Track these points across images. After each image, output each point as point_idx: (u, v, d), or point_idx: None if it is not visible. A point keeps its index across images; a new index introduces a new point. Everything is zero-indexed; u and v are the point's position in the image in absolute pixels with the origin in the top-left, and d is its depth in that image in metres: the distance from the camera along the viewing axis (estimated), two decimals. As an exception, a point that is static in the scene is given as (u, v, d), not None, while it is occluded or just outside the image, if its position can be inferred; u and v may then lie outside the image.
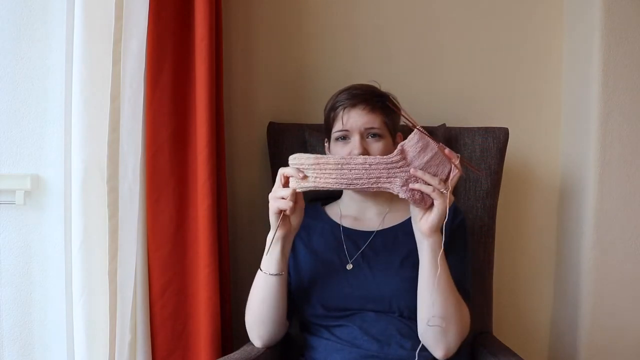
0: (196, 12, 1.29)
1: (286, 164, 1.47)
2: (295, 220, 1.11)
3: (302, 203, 1.09)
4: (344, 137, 1.20)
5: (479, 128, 1.50)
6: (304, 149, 1.48)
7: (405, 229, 1.19)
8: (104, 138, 1.24)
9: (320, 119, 1.31)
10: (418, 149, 1.02)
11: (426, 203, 1.03)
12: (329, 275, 1.19)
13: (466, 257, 1.23)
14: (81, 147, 1.23)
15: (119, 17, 1.24)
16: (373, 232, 1.23)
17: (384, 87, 1.27)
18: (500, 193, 1.50)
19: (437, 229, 1.04)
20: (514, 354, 1.25)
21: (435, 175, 1.02)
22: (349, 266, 1.19)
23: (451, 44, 1.66)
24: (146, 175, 1.30)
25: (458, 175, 1.03)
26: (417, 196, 1.02)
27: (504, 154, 1.49)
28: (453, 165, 1.02)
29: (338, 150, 1.21)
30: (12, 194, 1.37)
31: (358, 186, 1.01)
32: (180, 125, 1.32)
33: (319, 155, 1.02)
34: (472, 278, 1.38)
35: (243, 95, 1.62)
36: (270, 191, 1.08)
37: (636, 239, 1.56)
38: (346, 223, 1.26)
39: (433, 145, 1.02)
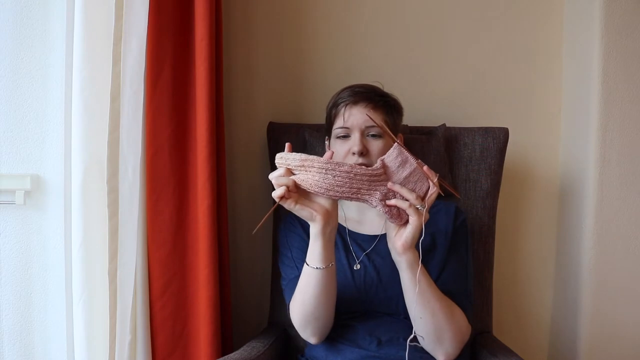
0: (196, 12, 1.29)
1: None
2: (327, 203, 1.03)
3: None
4: (345, 135, 1.20)
5: (479, 128, 1.50)
6: (304, 149, 1.48)
7: None
8: (104, 138, 1.24)
9: (320, 119, 1.31)
10: (397, 164, 1.02)
11: (402, 219, 1.02)
12: (338, 277, 1.19)
13: (468, 259, 1.23)
14: (81, 147, 1.23)
15: (119, 17, 1.24)
16: (377, 235, 1.23)
17: (384, 87, 1.27)
18: (500, 193, 1.50)
19: (412, 245, 1.02)
20: (514, 354, 1.25)
21: (412, 190, 1.01)
22: (357, 266, 1.19)
23: (451, 44, 1.66)
24: (146, 175, 1.30)
25: (436, 193, 1.02)
26: (394, 211, 1.01)
27: (504, 154, 1.50)
28: (431, 183, 1.02)
29: (338, 148, 1.20)
30: (12, 194, 1.37)
31: (338, 194, 0.99)
32: (180, 125, 1.32)
33: (304, 156, 0.99)
34: (473, 278, 1.38)
35: (243, 95, 1.62)
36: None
37: (636, 239, 1.56)
38: (351, 226, 1.27)
39: (412, 161, 1.01)
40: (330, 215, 1.04)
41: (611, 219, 1.54)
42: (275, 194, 0.99)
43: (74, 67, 1.22)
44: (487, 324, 1.47)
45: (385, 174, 1.02)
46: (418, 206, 1.00)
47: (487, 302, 1.48)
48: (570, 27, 1.65)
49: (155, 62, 1.28)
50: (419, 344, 1.08)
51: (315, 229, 1.04)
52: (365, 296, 1.17)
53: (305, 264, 1.10)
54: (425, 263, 1.09)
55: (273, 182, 1.00)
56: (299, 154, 1.00)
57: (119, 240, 1.26)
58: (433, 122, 1.53)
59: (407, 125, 1.44)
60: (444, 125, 1.50)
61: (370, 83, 1.26)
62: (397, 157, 1.02)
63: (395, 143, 1.03)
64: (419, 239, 1.02)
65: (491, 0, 1.66)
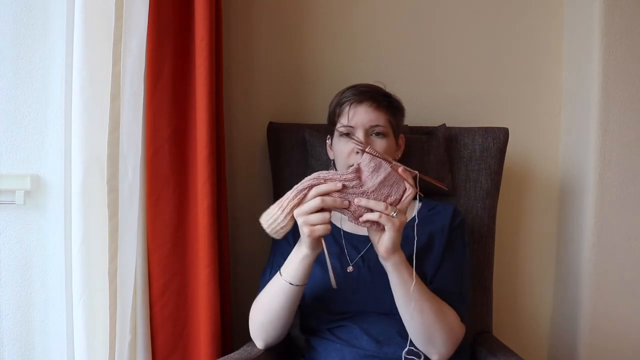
0: (196, 12, 1.29)
1: (286, 164, 1.48)
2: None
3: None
4: (348, 134, 1.20)
5: (479, 128, 1.50)
6: (304, 149, 1.48)
7: (404, 232, 1.19)
8: (104, 138, 1.24)
9: (320, 119, 1.31)
10: (371, 169, 1.01)
11: (379, 225, 1.01)
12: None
13: (464, 260, 1.23)
14: (81, 147, 1.23)
15: (119, 17, 1.24)
16: None
17: (385, 87, 1.26)
18: (500, 193, 1.50)
19: (394, 250, 1.02)
20: (514, 354, 1.25)
21: (388, 195, 1.00)
22: (350, 268, 1.19)
23: (451, 44, 1.66)
24: (146, 175, 1.30)
25: (412, 195, 1.01)
26: (366, 223, 1.01)
27: (504, 154, 1.49)
28: (407, 185, 1.00)
29: (341, 147, 1.20)
30: (12, 194, 1.37)
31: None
32: (180, 125, 1.32)
33: (282, 200, 1.02)
34: (472, 278, 1.38)
35: (243, 95, 1.62)
36: (270, 197, 1.06)
37: (636, 239, 1.56)
38: (347, 227, 1.26)
39: (386, 166, 1.00)
40: None
41: (611, 219, 1.54)
42: (322, 233, 1.01)
43: (74, 67, 1.22)
44: (487, 324, 1.47)
45: (358, 179, 1.01)
46: (391, 214, 0.99)
47: (487, 302, 1.48)
48: (570, 27, 1.65)
49: (155, 62, 1.28)
50: (415, 349, 1.08)
51: (308, 251, 1.05)
52: (358, 297, 1.17)
53: (279, 274, 1.11)
54: (421, 262, 1.09)
55: (311, 220, 1.00)
56: (281, 200, 1.02)
57: (119, 240, 1.26)
58: (433, 122, 1.53)
59: (407, 125, 1.44)
60: (444, 125, 1.50)
61: (372, 83, 1.26)
62: (369, 162, 1.01)
63: (367, 149, 1.02)
64: (399, 242, 1.01)
65: (491, 1, 1.66)
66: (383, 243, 1.01)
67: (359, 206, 1.00)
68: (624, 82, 1.52)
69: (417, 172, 1.01)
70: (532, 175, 1.68)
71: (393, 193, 1.01)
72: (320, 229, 1.00)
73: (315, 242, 1.03)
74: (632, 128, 1.53)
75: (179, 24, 1.32)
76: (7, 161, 1.38)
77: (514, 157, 1.60)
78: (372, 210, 1.00)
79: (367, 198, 1.00)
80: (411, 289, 1.03)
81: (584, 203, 1.57)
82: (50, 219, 1.38)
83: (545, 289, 1.70)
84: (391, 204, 1.00)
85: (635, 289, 1.56)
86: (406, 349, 1.06)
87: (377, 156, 1.01)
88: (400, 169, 1.00)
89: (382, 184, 1.00)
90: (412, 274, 1.05)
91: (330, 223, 1.26)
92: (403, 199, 1.01)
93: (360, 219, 1.00)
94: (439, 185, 1.05)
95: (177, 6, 1.31)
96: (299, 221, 1.01)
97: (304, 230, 1.01)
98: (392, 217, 0.99)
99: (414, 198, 1.04)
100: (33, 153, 1.38)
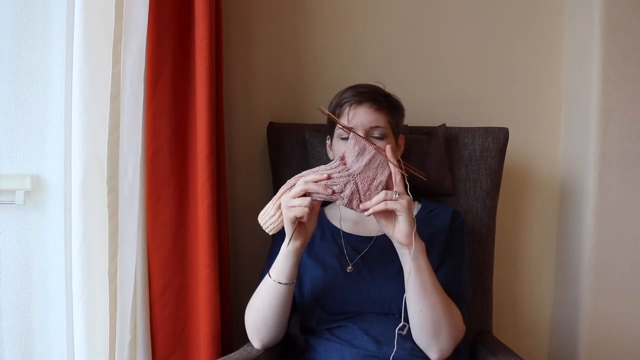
0: (196, 12, 1.29)
1: (286, 164, 1.48)
2: (311, 229, 1.09)
3: (317, 209, 1.07)
4: (348, 136, 1.20)
5: (479, 128, 1.50)
6: (304, 149, 1.48)
7: None
8: (104, 138, 1.24)
9: (320, 119, 1.31)
10: (355, 153, 1.04)
11: (388, 213, 1.01)
12: (330, 280, 1.19)
13: (463, 261, 1.23)
14: (81, 147, 1.23)
15: (119, 17, 1.24)
16: (373, 237, 1.22)
17: (385, 87, 1.26)
18: (500, 193, 1.50)
19: (412, 234, 1.01)
20: (514, 354, 1.25)
21: (374, 178, 1.03)
22: (349, 269, 1.19)
23: (451, 44, 1.66)
24: (146, 175, 1.30)
25: (399, 174, 1.02)
26: (354, 203, 1.02)
27: (504, 154, 1.50)
28: (392, 166, 1.02)
29: (340, 148, 1.20)
30: (12, 194, 1.37)
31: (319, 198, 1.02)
32: (180, 125, 1.32)
33: (278, 195, 1.08)
34: (472, 278, 1.38)
35: (243, 95, 1.62)
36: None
37: (636, 239, 1.56)
38: (346, 227, 1.26)
39: (370, 149, 1.03)
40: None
41: (611, 219, 1.54)
42: (298, 214, 1.01)
43: (74, 67, 1.22)
44: (487, 324, 1.47)
45: (344, 165, 1.04)
46: (394, 197, 0.99)
47: (487, 302, 1.48)
48: (570, 27, 1.65)
49: (155, 62, 1.28)
50: (405, 334, 1.08)
51: (293, 247, 1.07)
52: (358, 297, 1.17)
53: (268, 276, 1.12)
54: None
55: (292, 203, 1.02)
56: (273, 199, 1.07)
57: (119, 240, 1.26)
58: (433, 122, 1.53)
59: (407, 125, 1.44)
60: (444, 125, 1.50)
61: (372, 83, 1.26)
62: (354, 146, 1.04)
63: (352, 133, 1.06)
64: (414, 227, 1.01)
65: (491, 1, 1.66)
66: (400, 229, 1.01)
67: (365, 209, 1.01)
68: (624, 82, 1.52)
69: (399, 159, 1.04)
70: (532, 175, 1.68)
71: (379, 175, 1.03)
72: (298, 210, 1.01)
73: (297, 230, 1.04)
74: (632, 128, 1.53)
75: (179, 24, 1.32)
76: (7, 161, 1.37)
77: (514, 157, 1.60)
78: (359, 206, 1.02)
79: (355, 182, 1.02)
80: (422, 264, 1.04)
81: (584, 203, 1.57)
82: (50, 219, 1.38)
83: (545, 289, 1.70)
84: (381, 187, 1.02)
85: (635, 289, 1.56)
86: (400, 325, 1.05)
87: (361, 139, 1.05)
88: (388, 147, 1.03)
89: (367, 166, 1.03)
90: (429, 264, 1.05)
91: (329, 223, 1.28)
92: (394, 180, 1.02)
93: (365, 213, 1.01)
94: (419, 175, 1.06)
95: (177, 6, 1.31)
96: (282, 206, 1.04)
97: (284, 213, 1.04)
98: (397, 199, 0.99)
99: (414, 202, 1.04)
100: (33, 153, 1.38)
